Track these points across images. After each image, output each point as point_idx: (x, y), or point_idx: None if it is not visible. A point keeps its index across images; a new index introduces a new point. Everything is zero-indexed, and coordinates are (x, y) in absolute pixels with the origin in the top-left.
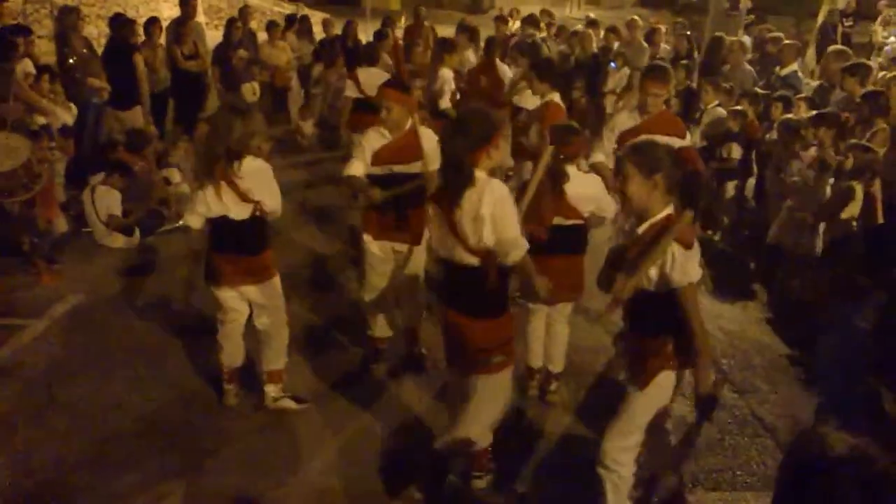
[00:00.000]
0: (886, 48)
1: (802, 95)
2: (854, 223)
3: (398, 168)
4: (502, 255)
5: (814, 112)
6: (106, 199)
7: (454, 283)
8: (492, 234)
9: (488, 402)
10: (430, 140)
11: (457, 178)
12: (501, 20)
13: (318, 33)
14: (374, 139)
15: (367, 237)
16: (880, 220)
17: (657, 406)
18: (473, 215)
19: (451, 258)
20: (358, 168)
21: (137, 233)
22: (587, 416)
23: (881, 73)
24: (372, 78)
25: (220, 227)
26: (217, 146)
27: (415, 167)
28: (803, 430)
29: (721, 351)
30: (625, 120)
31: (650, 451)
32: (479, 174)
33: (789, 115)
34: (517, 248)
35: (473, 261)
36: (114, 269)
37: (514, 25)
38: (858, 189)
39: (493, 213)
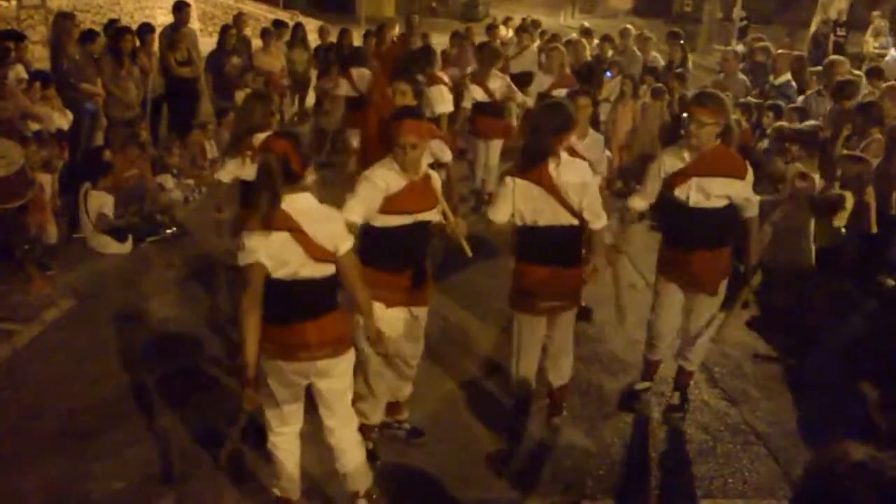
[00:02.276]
0: (887, 59)
1: (793, 105)
2: (843, 231)
3: (422, 216)
4: (591, 221)
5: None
6: (98, 203)
7: (552, 242)
8: (585, 201)
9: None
10: (437, 181)
11: (538, 154)
12: (494, 28)
13: (314, 41)
14: (390, 178)
15: None
16: (874, 230)
17: None
18: (578, 184)
19: (553, 222)
20: (356, 212)
21: (130, 239)
22: (583, 426)
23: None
24: (364, 77)
25: (246, 187)
26: (242, 124)
27: (434, 214)
28: (829, 441)
29: (713, 359)
30: (673, 160)
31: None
32: (563, 153)
33: (782, 123)
34: (602, 219)
35: (574, 221)
36: (106, 275)
37: (509, 33)
38: (849, 198)
39: (588, 183)
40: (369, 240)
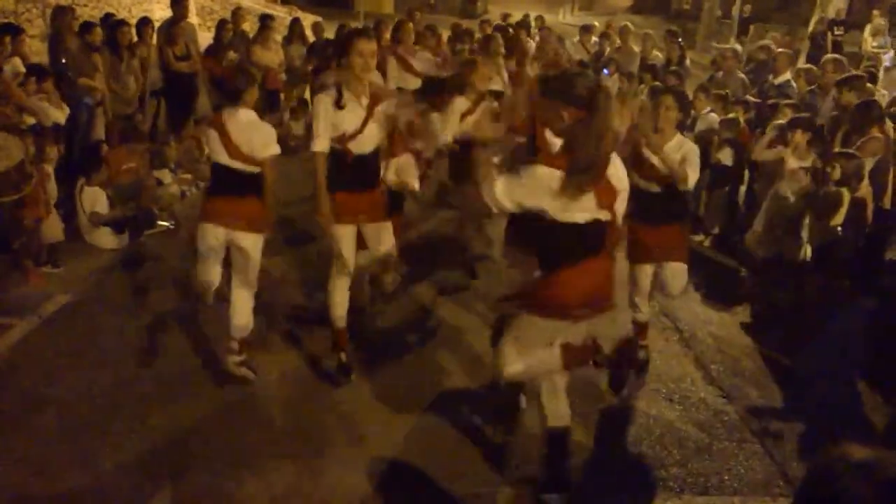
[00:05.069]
0: (886, 57)
1: (789, 101)
2: (839, 229)
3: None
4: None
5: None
6: (91, 199)
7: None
8: None
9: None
10: None
11: None
12: (487, 24)
13: (310, 36)
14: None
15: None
16: (869, 222)
17: None
18: None
19: None
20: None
21: (127, 233)
22: (578, 421)
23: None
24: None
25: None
26: None
27: None
28: (830, 444)
29: (710, 356)
30: None
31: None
32: None
33: (779, 121)
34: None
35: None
36: (103, 269)
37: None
38: (846, 196)
39: None
40: None
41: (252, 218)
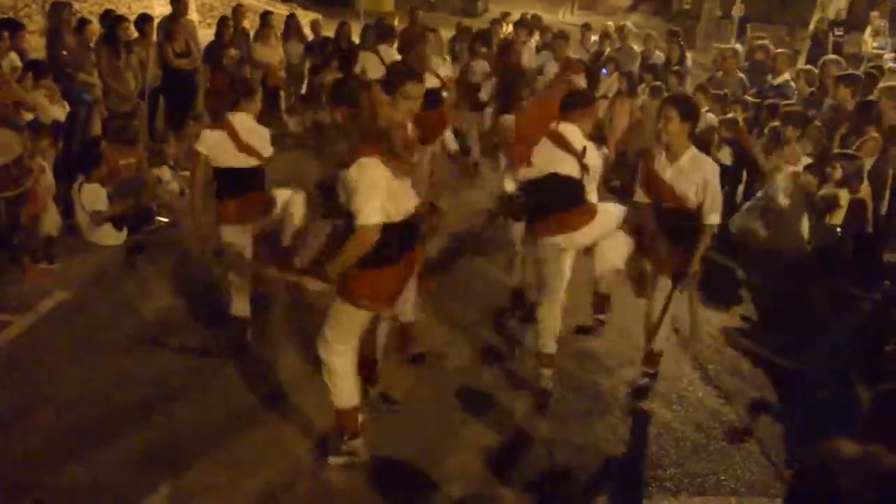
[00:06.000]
0: (887, 57)
1: (788, 102)
2: (838, 230)
3: None
4: None
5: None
6: (91, 196)
7: None
8: None
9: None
10: None
11: None
12: (498, 23)
13: (309, 35)
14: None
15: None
16: (870, 227)
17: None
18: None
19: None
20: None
21: (126, 230)
22: (576, 421)
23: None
24: (393, 54)
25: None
26: None
27: None
28: (821, 442)
29: (708, 356)
30: None
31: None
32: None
33: (776, 123)
34: None
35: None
36: (101, 266)
37: (507, 29)
38: (844, 197)
39: None
40: None
41: (258, 212)
